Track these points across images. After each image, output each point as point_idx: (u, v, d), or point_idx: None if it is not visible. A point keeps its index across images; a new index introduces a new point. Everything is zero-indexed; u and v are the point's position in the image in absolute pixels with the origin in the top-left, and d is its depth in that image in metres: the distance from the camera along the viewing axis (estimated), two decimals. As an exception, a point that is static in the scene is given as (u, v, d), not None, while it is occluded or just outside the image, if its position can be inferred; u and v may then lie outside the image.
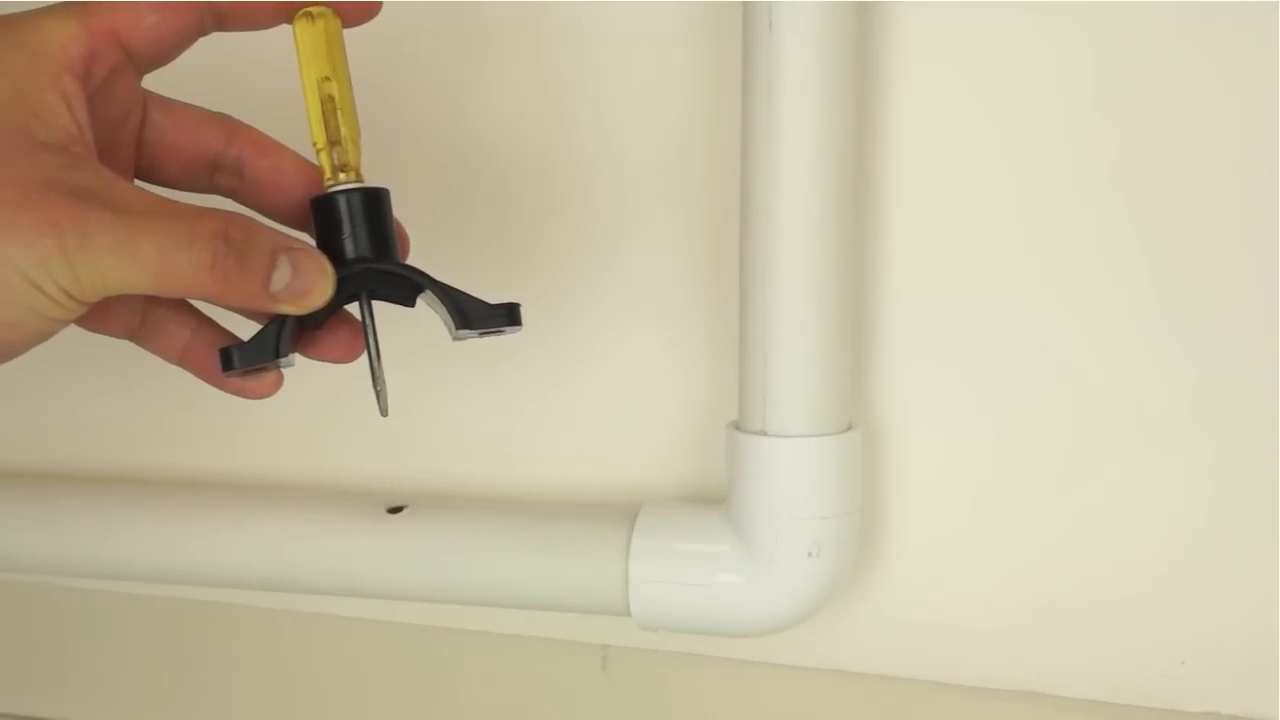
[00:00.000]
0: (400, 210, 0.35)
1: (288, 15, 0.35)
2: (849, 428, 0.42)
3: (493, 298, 0.35)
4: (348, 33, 0.35)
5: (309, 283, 0.33)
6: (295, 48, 0.35)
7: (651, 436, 0.49)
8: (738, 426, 0.43)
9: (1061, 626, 0.46)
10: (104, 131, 0.34)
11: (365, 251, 0.34)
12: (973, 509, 0.46)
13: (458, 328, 0.35)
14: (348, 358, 0.37)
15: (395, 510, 0.47)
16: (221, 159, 0.36)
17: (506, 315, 0.35)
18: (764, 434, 0.41)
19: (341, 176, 0.35)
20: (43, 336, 0.31)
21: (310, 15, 0.34)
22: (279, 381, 0.36)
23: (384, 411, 0.36)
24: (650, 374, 0.49)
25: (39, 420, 0.58)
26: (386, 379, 0.36)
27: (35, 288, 0.29)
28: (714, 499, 0.46)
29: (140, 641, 0.59)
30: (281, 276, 0.32)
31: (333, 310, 0.35)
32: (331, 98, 0.35)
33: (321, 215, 0.35)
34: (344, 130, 0.35)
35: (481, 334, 0.36)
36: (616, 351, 0.49)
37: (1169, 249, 0.42)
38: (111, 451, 0.57)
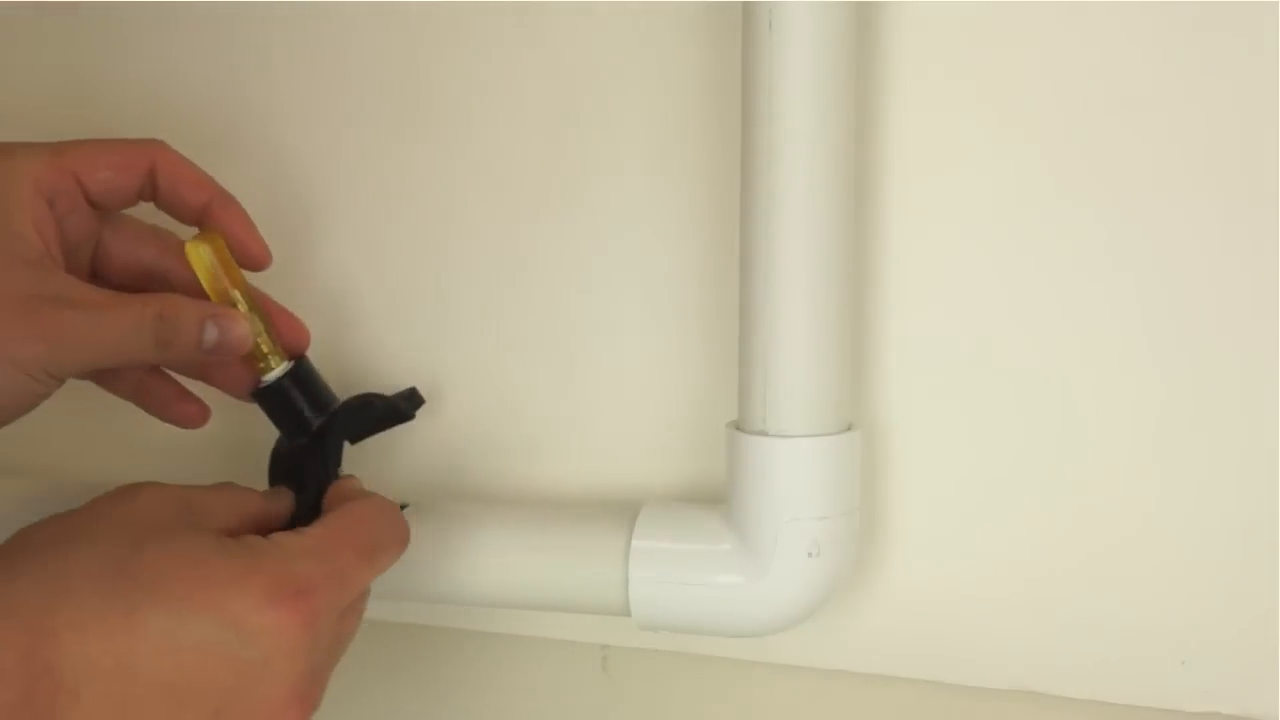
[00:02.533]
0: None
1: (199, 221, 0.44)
2: (849, 428, 0.42)
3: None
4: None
5: (236, 336, 0.41)
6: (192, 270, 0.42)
7: (651, 436, 0.49)
8: (738, 426, 0.43)
9: (1061, 626, 0.46)
10: (66, 248, 0.41)
11: (318, 412, 0.45)
12: (972, 509, 0.46)
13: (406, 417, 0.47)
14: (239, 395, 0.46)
15: (395, 510, 0.47)
16: (154, 269, 0.44)
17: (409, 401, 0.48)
18: (764, 434, 0.41)
19: (273, 361, 0.44)
20: (30, 408, 0.40)
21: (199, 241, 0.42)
22: (205, 415, 0.48)
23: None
24: (650, 374, 0.49)
25: (39, 422, 0.57)
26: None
27: (29, 377, 0.38)
28: (714, 499, 0.46)
29: (140, 641, 0.59)
30: (210, 337, 0.40)
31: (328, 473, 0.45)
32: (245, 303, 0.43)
33: (268, 403, 0.45)
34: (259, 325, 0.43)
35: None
36: (616, 351, 0.49)
37: (1169, 250, 0.42)
38: (111, 452, 0.57)
